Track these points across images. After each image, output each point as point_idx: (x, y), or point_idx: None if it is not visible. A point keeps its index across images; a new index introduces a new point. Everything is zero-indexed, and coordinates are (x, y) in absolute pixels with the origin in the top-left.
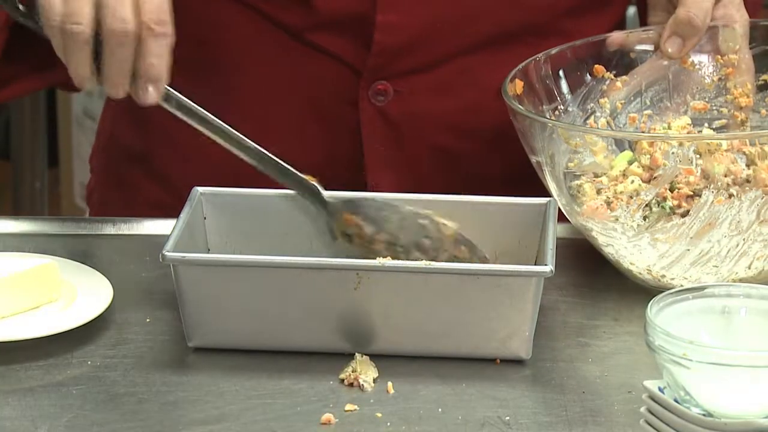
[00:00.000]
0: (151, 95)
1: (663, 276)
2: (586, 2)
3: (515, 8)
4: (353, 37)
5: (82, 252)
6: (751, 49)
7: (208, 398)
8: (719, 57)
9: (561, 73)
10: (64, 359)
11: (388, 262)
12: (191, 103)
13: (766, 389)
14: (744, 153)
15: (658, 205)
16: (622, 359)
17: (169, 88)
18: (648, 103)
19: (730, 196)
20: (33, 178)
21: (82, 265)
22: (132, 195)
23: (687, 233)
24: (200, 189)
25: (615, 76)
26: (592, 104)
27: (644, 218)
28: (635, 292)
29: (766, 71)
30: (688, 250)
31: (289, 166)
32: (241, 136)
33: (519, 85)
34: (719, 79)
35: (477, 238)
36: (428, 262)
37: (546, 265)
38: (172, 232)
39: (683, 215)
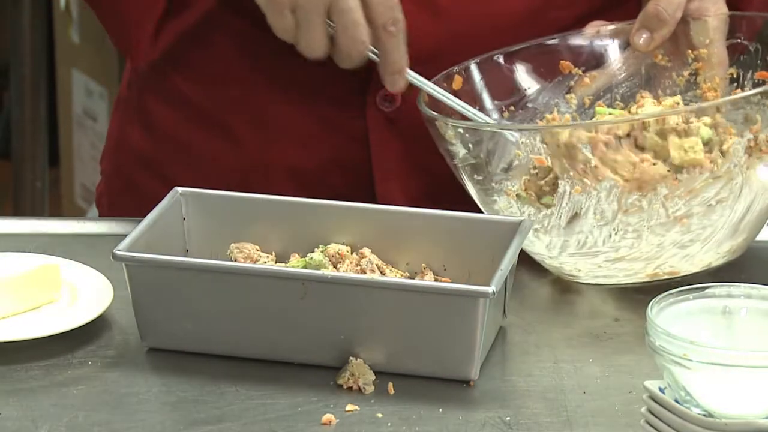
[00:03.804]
0: (399, 85)
1: (561, 264)
2: (594, 10)
3: (528, 26)
4: None
5: (83, 252)
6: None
7: (209, 398)
8: (690, 51)
9: (523, 68)
10: (65, 359)
11: (333, 273)
12: (429, 83)
13: (767, 390)
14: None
15: (519, 195)
16: (623, 359)
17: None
18: (618, 98)
19: (585, 186)
20: (33, 177)
21: (83, 265)
22: (141, 199)
23: (558, 224)
24: (180, 189)
25: (584, 71)
26: (557, 99)
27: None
28: (636, 292)
29: (734, 65)
30: (567, 240)
31: None
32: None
33: (458, 81)
34: (690, 74)
35: (449, 255)
36: (372, 276)
37: (489, 286)
38: (132, 231)
39: (548, 206)
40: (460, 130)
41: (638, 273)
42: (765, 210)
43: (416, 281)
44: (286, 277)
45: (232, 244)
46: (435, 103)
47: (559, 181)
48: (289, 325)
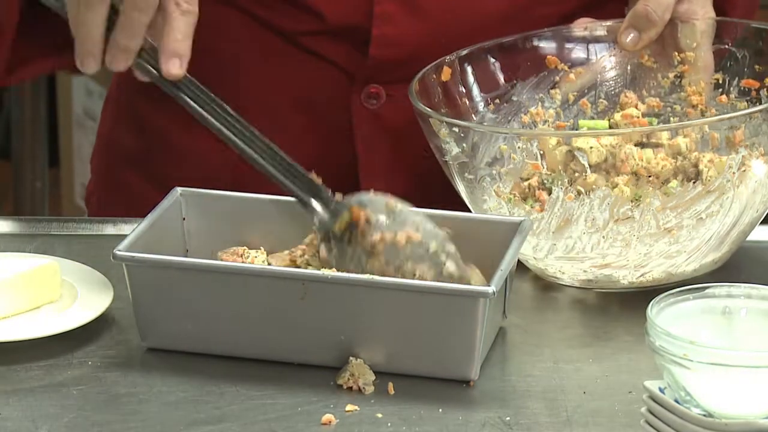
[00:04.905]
0: (175, 67)
1: (545, 266)
2: (580, 8)
3: (512, 23)
4: (349, 44)
5: (83, 252)
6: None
7: (209, 398)
8: (677, 54)
9: (510, 61)
10: (65, 359)
11: (333, 273)
12: (206, 90)
13: (767, 390)
14: (584, 151)
15: (510, 199)
16: (623, 359)
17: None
18: (602, 96)
19: (579, 193)
20: (33, 178)
21: (83, 265)
22: (130, 198)
23: (548, 228)
24: (180, 189)
25: (570, 68)
26: (541, 94)
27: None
28: (635, 292)
29: (720, 70)
30: (554, 244)
31: (294, 163)
32: (252, 129)
33: (446, 72)
34: (675, 76)
35: None
36: (372, 276)
37: (489, 286)
38: (132, 231)
39: (540, 210)
40: (455, 128)
41: (621, 280)
42: (750, 224)
43: (416, 281)
44: (286, 277)
45: (219, 252)
46: (428, 100)
47: (552, 187)
48: (289, 325)
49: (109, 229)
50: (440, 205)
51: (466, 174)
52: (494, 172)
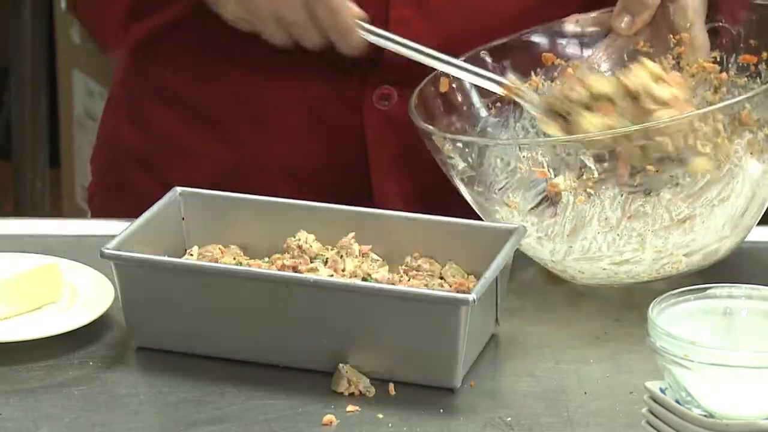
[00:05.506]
0: (348, 47)
1: (564, 268)
2: (586, 11)
3: (521, 25)
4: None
5: (84, 252)
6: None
7: (210, 399)
8: (672, 36)
9: (508, 62)
10: (66, 360)
11: (316, 277)
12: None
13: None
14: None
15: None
16: (624, 360)
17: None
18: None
19: (589, 195)
20: (34, 178)
21: (84, 265)
22: (133, 198)
23: (562, 232)
24: (179, 189)
25: (566, 62)
26: (542, 93)
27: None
28: (636, 292)
29: (717, 48)
30: (571, 247)
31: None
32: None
33: (445, 83)
34: (673, 58)
35: (447, 261)
36: (355, 281)
37: (469, 293)
38: (124, 229)
39: (552, 215)
40: (459, 144)
41: (641, 274)
42: (762, 204)
43: (398, 288)
44: (270, 280)
45: (195, 247)
46: (429, 113)
47: (563, 192)
48: (275, 328)
49: (110, 229)
50: (450, 205)
51: (476, 187)
52: (503, 182)
